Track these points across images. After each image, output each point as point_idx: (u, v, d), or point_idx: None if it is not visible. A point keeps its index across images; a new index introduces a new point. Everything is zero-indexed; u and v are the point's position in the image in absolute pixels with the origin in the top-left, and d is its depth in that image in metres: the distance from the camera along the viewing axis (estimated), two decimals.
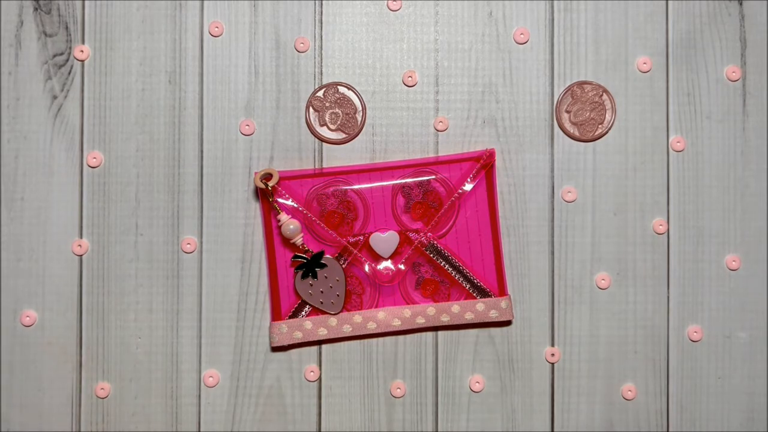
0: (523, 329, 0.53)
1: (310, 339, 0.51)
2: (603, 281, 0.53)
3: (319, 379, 0.52)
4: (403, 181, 0.52)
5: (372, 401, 0.52)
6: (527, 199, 0.53)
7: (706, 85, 0.53)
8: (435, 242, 0.51)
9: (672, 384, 0.53)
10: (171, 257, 0.52)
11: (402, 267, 0.51)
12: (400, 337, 0.53)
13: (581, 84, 0.53)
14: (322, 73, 0.53)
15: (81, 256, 0.52)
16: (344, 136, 0.52)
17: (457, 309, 0.51)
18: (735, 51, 0.53)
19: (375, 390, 0.52)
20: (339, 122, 0.52)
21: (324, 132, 0.52)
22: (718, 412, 0.53)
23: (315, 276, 0.50)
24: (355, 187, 0.51)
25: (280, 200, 0.51)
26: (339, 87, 0.52)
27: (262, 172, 0.50)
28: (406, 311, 0.51)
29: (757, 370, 0.53)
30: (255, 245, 0.52)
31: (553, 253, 0.53)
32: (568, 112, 0.53)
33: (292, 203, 0.51)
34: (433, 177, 0.52)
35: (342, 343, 0.53)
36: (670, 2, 0.53)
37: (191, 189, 0.52)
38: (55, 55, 0.52)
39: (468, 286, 0.52)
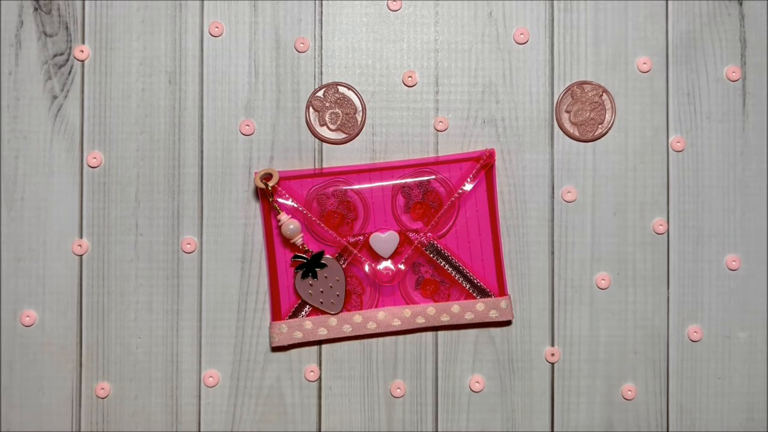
0: (523, 329, 0.53)
1: (310, 339, 0.51)
2: (603, 281, 0.53)
3: (319, 379, 0.52)
4: (403, 181, 0.52)
5: (372, 401, 0.52)
6: (527, 199, 0.53)
7: (706, 85, 0.53)
8: (435, 242, 0.51)
9: (672, 384, 0.53)
10: (171, 257, 0.52)
11: (402, 267, 0.51)
12: (400, 337, 0.53)
13: (581, 84, 0.53)
14: (322, 73, 0.53)
15: (81, 256, 0.52)
16: (344, 136, 0.52)
17: (457, 309, 0.51)
18: (735, 51, 0.53)
19: (375, 390, 0.52)
20: (339, 122, 0.52)
21: (324, 132, 0.52)
22: (718, 412, 0.53)
23: (315, 276, 0.50)
24: (355, 187, 0.51)
25: (280, 200, 0.51)
26: (339, 87, 0.52)
27: (262, 172, 0.50)
28: (406, 311, 0.51)
29: (757, 370, 0.53)
30: (255, 245, 0.52)
31: (553, 253, 0.53)
32: (568, 112, 0.53)
33: (292, 203, 0.51)
34: (433, 177, 0.52)
35: (342, 343, 0.53)
36: (670, 2, 0.53)
37: (191, 189, 0.52)
38: (55, 55, 0.52)
39: (468, 286, 0.52)
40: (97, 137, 0.52)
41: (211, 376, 0.52)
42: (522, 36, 0.53)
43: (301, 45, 0.52)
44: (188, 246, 0.52)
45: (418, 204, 0.52)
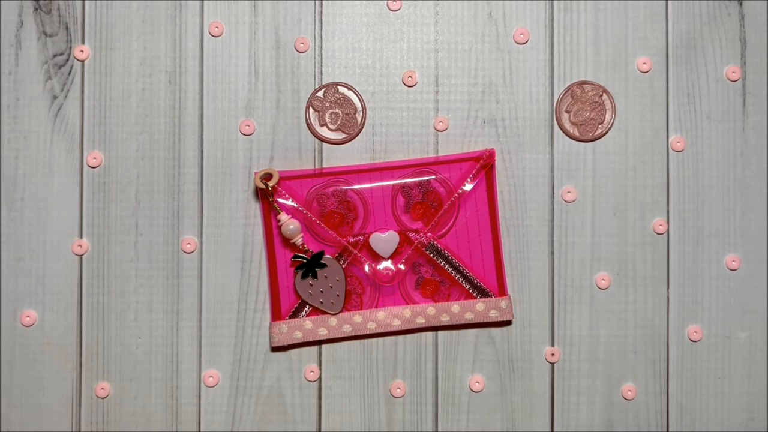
0: (523, 329, 0.53)
1: (310, 339, 0.51)
2: (603, 281, 0.53)
3: (319, 379, 0.52)
4: (403, 181, 0.52)
5: (372, 401, 0.52)
6: (527, 199, 0.53)
7: (706, 85, 0.53)
8: (435, 242, 0.51)
9: (672, 384, 0.53)
10: (171, 257, 0.52)
11: (402, 267, 0.51)
12: (400, 337, 0.53)
13: (581, 84, 0.53)
14: (322, 73, 0.53)
15: (81, 256, 0.52)
16: (344, 136, 0.52)
17: (457, 309, 0.51)
18: (735, 51, 0.53)
19: (375, 390, 0.52)
20: (339, 122, 0.52)
21: (324, 132, 0.52)
22: (718, 412, 0.53)
23: (315, 276, 0.50)
24: (355, 187, 0.51)
25: (280, 200, 0.51)
26: (339, 87, 0.52)
27: (262, 172, 0.50)
28: (406, 311, 0.51)
29: (757, 370, 0.53)
30: (255, 245, 0.52)
31: (553, 253, 0.53)
32: (568, 112, 0.53)
33: (292, 203, 0.51)
34: (433, 177, 0.52)
35: (342, 343, 0.53)
36: (670, 2, 0.53)
37: (191, 189, 0.52)
38: (55, 55, 0.52)
39: (468, 286, 0.52)
40: (97, 137, 0.52)
41: (211, 376, 0.52)
42: (522, 36, 0.53)
43: (301, 45, 0.52)
44: (188, 246, 0.52)
45: (418, 204, 0.52)
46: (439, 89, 0.53)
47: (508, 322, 0.53)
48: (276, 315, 0.52)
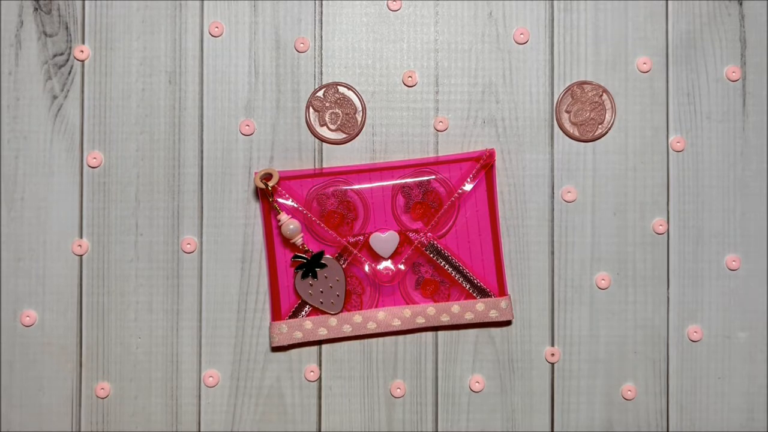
0: (523, 329, 0.53)
1: (310, 339, 0.51)
2: (603, 281, 0.53)
3: (319, 379, 0.52)
4: (403, 181, 0.52)
5: (372, 401, 0.52)
6: (527, 199, 0.53)
7: (706, 85, 0.53)
8: (435, 242, 0.51)
9: (672, 384, 0.53)
10: (171, 257, 0.52)
11: (402, 267, 0.51)
12: (400, 337, 0.53)
13: (581, 84, 0.53)
14: (322, 73, 0.53)
15: (81, 256, 0.52)
16: (344, 136, 0.52)
17: (457, 309, 0.51)
18: (735, 51, 0.53)
19: (375, 390, 0.52)
20: (339, 122, 0.52)
21: (324, 132, 0.52)
22: (718, 412, 0.53)
23: (315, 276, 0.50)
24: (355, 187, 0.51)
25: (280, 200, 0.51)
26: (339, 87, 0.52)
27: (262, 172, 0.50)
28: (406, 311, 0.51)
29: (757, 370, 0.53)
30: (255, 245, 0.52)
31: (553, 253, 0.53)
32: (568, 112, 0.53)
33: (292, 203, 0.51)
34: (433, 177, 0.52)
35: (342, 343, 0.53)
36: (670, 2, 0.53)
37: (191, 189, 0.52)
38: (55, 55, 0.52)
39: (468, 286, 0.52)
40: (97, 137, 0.52)
41: (211, 376, 0.52)
42: (522, 36, 0.53)
43: (301, 45, 0.52)
44: (188, 246, 0.52)
45: (418, 204, 0.52)
46: (439, 89, 0.53)
47: (508, 322, 0.53)
48: (276, 315, 0.52)
